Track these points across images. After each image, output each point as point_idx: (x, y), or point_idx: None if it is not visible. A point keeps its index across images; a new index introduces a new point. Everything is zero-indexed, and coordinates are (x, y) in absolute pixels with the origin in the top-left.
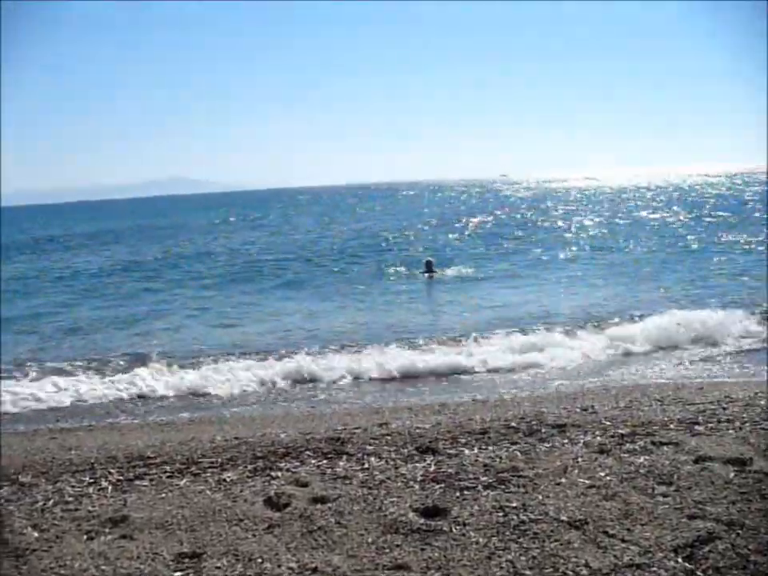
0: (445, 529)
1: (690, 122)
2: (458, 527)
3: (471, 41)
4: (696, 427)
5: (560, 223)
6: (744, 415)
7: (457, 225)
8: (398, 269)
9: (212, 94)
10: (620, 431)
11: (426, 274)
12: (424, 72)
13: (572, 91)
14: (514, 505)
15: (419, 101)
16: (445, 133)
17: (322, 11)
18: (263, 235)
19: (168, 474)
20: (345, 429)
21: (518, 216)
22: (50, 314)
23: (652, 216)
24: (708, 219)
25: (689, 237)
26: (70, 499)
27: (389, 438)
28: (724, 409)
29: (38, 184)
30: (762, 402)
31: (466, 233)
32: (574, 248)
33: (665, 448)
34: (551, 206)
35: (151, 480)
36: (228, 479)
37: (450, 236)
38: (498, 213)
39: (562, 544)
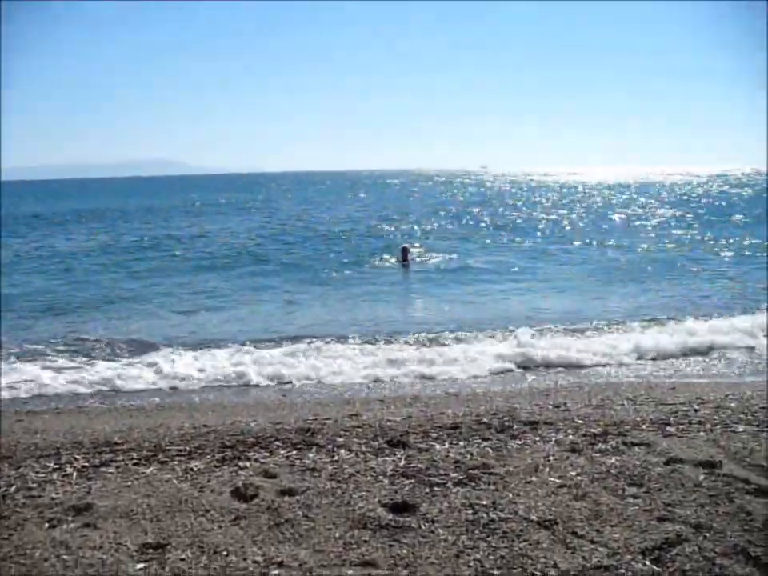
0: (413, 525)
1: (678, 123)
2: (426, 524)
3: (455, 34)
4: (668, 428)
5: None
6: (715, 417)
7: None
8: (380, 257)
9: (202, 78)
10: (592, 430)
11: (402, 262)
12: (408, 64)
13: (559, 87)
14: (484, 503)
15: (400, 91)
16: (424, 123)
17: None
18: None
19: (135, 462)
20: (315, 419)
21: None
22: (29, 293)
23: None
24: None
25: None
26: (33, 485)
27: (359, 430)
28: (696, 410)
29: (24, 161)
30: (733, 405)
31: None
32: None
33: (636, 449)
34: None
35: (117, 467)
36: (195, 468)
37: (431, 224)
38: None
39: (531, 544)
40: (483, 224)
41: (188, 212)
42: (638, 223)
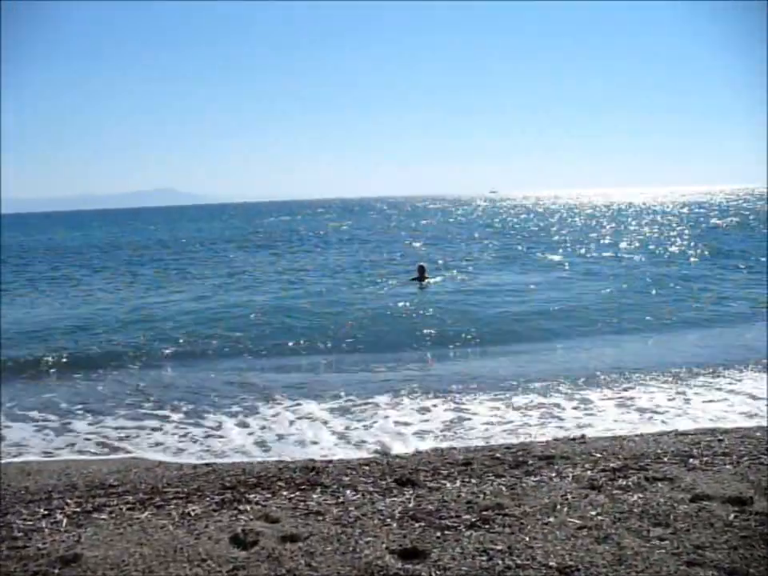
0: (424, 574)
1: (684, 143)
2: (438, 572)
3: (458, 55)
4: (691, 461)
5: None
6: (741, 448)
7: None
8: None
9: (203, 107)
10: (611, 465)
11: (417, 281)
12: (415, 87)
13: (563, 109)
14: (499, 547)
15: (405, 116)
16: (432, 150)
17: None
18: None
19: (129, 506)
20: (321, 457)
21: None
22: None
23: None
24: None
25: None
26: (19, 534)
27: (366, 468)
28: (719, 441)
29: (26, 193)
30: (759, 434)
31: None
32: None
33: (659, 484)
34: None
35: (110, 512)
36: (193, 513)
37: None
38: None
39: None
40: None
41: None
42: None
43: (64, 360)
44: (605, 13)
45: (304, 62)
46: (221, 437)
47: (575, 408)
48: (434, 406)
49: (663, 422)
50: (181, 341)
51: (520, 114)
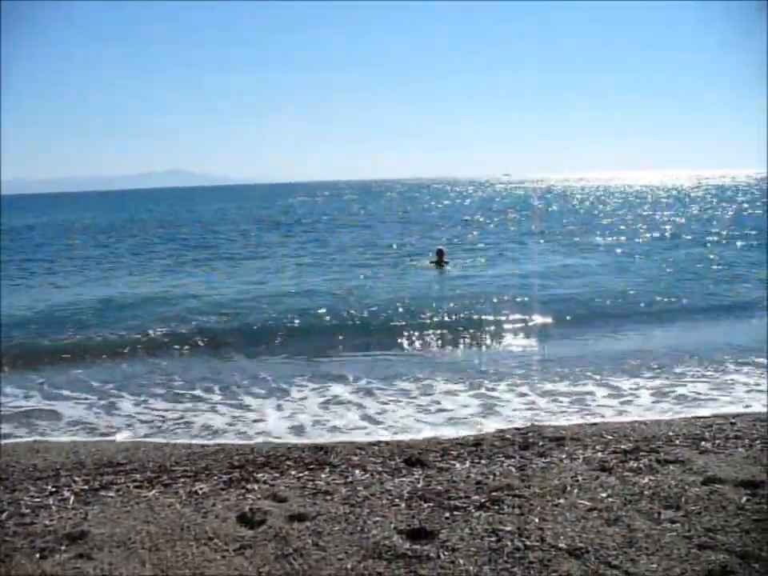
0: (432, 555)
1: (690, 126)
2: (446, 553)
3: (476, 44)
4: (703, 444)
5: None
6: (753, 432)
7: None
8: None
9: (216, 88)
10: (622, 446)
11: (435, 264)
12: (434, 77)
13: (574, 94)
14: (509, 529)
15: (421, 101)
16: (434, 132)
17: (326, 11)
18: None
19: (137, 484)
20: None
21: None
22: None
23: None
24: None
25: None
26: (27, 511)
27: (375, 447)
28: (732, 424)
29: (36, 174)
30: None
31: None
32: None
33: (671, 467)
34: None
35: (118, 490)
36: (200, 491)
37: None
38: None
39: (560, 575)
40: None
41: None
42: None
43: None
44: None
45: (315, 43)
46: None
47: None
48: None
49: None
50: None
51: (529, 101)
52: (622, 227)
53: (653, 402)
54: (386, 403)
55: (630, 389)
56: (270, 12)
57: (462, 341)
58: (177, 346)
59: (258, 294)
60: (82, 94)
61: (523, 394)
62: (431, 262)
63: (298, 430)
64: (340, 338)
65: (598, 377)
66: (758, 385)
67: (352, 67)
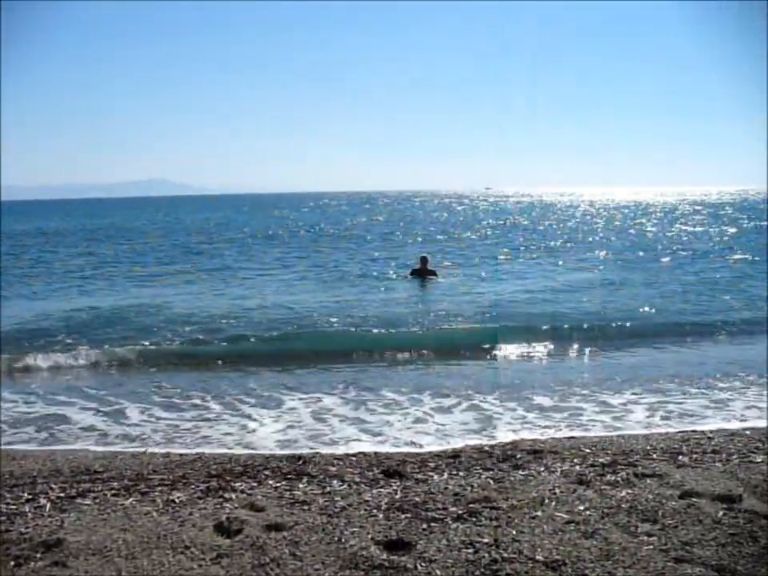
0: (409, 566)
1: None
2: (423, 564)
3: (452, 50)
4: (680, 458)
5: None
6: (731, 446)
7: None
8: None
9: (195, 97)
10: (600, 460)
11: (418, 274)
12: (409, 85)
13: (558, 106)
14: (486, 540)
15: (399, 110)
16: (416, 145)
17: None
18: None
19: (114, 492)
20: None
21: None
22: None
23: None
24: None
25: None
26: (2, 519)
27: (353, 458)
28: (709, 439)
29: (13, 181)
30: (748, 433)
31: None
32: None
33: (648, 480)
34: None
35: (95, 498)
36: (177, 500)
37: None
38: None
39: None
40: None
41: None
42: None
43: None
44: (603, 12)
45: (296, 52)
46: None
47: None
48: None
49: None
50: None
51: (511, 114)
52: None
53: None
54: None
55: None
56: (253, 15)
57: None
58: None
59: (243, 306)
60: (58, 99)
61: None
62: (413, 272)
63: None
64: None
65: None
66: None
67: (334, 81)
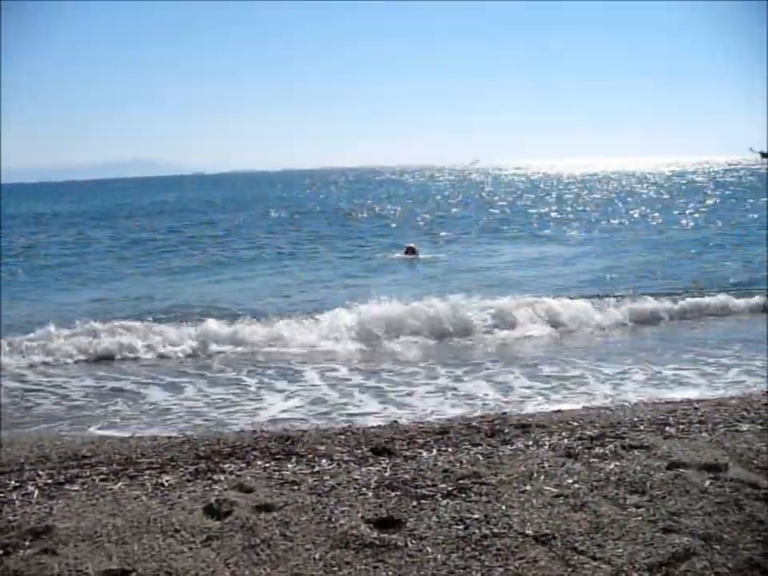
0: (400, 543)
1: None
2: (414, 541)
3: (436, 27)
4: (667, 429)
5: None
6: (716, 416)
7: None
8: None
9: (182, 75)
10: (588, 433)
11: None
12: (392, 57)
13: (544, 77)
14: (476, 516)
15: (387, 84)
16: (403, 118)
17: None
18: None
19: (102, 477)
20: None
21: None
22: None
23: None
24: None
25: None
26: None
27: (342, 437)
28: (695, 409)
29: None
30: (734, 402)
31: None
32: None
33: (636, 452)
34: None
35: (83, 484)
36: (166, 483)
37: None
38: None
39: (527, 562)
40: None
41: None
42: None
43: None
44: None
45: (281, 27)
46: None
47: None
48: None
49: None
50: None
51: (499, 85)
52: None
53: None
54: None
55: None
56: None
57: None
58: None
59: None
60: (37, 79)
61: None
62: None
63: None
64: None
65: None
66: None
67: (319, 57)
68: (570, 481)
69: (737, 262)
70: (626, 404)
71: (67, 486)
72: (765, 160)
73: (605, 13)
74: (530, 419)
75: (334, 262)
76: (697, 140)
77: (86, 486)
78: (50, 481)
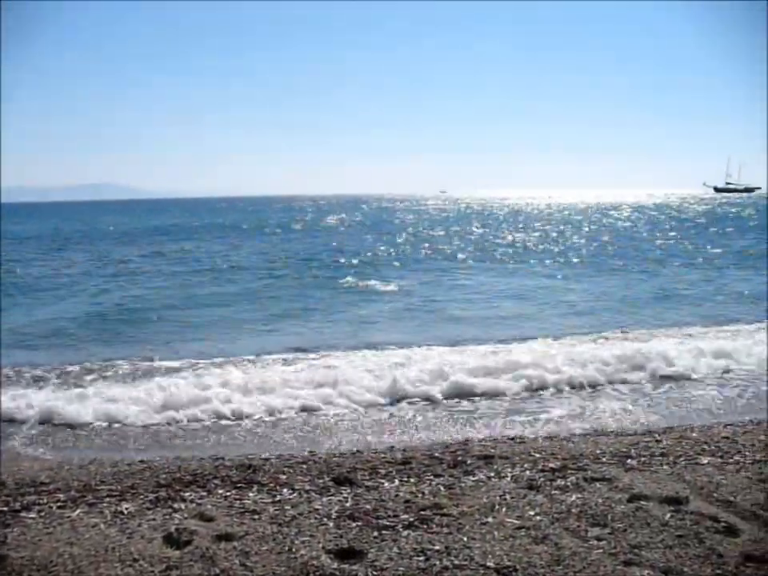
0: (360, 574)
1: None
2: (374, 573)
3: (406, 55)
4: (629, 461)
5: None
6: (678, 449)
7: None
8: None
9: (136, 98)
10: (550, 465)
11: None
12: (356, 88)
13: (511, 108)
14: (437, 548)
15: (353, 113)
16: (367, 147)
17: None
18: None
19: (60, 504)
20: (256, 455)
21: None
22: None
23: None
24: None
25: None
26: None
27: (304, 466)
28: (657, 441)
29: None
30: (695, 435)
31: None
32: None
33: (597, 485)
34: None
35: (40, 511)
36: (126, 511)
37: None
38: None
39: None
40: None
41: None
42: None
43: None
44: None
45: (241, 51)
46: None
47: None
48: None
49: None
50: None
51: (469, 116)
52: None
53: None
54: None
55: None
56: (209, 16)
57: None
58: None
59: None
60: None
61: None
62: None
63: None
64: None
65: None
66: None
67: (291, 86)
68: (532, 513)
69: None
70: (588, 436)
71: (23, 514)
72: (717, 194)
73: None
74: (493, 450)
75: None
76: (646, 176)
77: (42, 514)
78: (5, 508)
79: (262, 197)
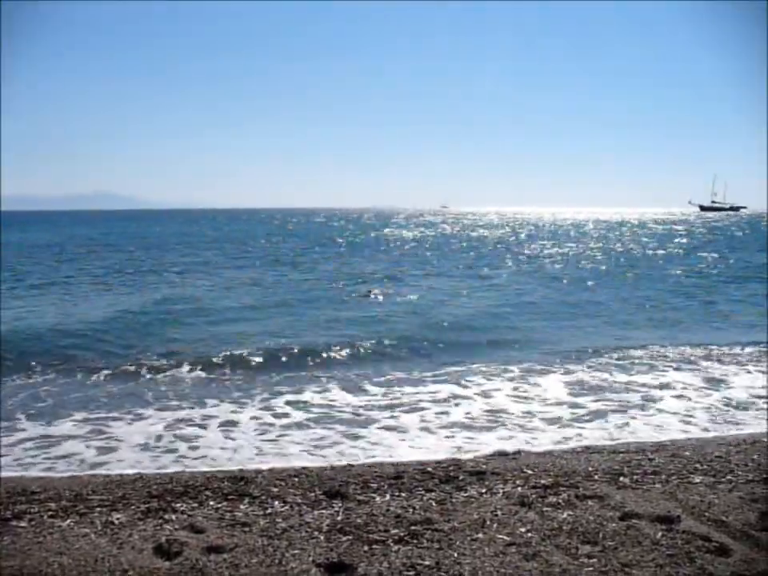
0: None
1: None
2: None
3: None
4: (621, 479)
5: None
6: (670, 467)
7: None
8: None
9: (141, 109)
10: (542, 481)
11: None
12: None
13: (508, 127)
14: (427, 563)
15: (342, 123)
16: (372, 162)
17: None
18: None
19: (51, 513)
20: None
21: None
22: None
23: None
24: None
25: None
26: None
27: (296, 479)
28: (650, 460)
29: None
30: (687, 453)
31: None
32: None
33: (589, 502)
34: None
35: (31, 520)
36: (117, 521)
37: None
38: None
39: None
40: None
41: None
42: None
43: None
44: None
45: (240, 63)
46: None
47: None
48: None
49: None
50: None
51: (469, 133)
52: None
53: None
54: None
55: None
56: (205, 29)
57: None
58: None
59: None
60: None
61: None
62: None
63: None
64: None
65: None
66: None
67: (285, 97)
68: (523, 529)
69: None
70: (581, 452)
71: (14, 522)
72: (702, 212)
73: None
74: (485, 466)
75: None
76: (634, 194)
77: (33, 523)
78: None
79: (276, 209)
